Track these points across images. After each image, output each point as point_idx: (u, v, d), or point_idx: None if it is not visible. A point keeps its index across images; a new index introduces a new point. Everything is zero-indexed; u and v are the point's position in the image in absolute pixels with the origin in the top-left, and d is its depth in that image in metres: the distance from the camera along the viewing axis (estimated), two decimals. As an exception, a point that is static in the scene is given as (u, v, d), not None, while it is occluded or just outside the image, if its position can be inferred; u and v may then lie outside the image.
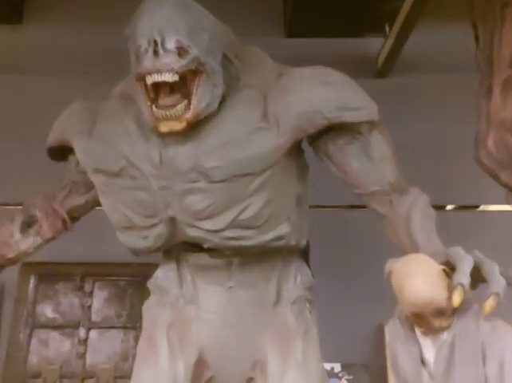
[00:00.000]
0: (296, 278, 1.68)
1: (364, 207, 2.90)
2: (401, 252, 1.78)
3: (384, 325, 3.02)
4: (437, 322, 1.22)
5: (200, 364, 1.59)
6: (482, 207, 3.07)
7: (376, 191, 1.53)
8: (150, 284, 1.73)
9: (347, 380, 2.86)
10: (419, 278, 1.20)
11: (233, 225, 1.48)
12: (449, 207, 3.13)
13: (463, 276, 1.17)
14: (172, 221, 1.50)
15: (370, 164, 1.52)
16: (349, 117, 1.46)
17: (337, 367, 2.82)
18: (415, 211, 1.48)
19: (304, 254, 1.75)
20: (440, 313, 1.21)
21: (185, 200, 1.45)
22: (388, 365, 2.95)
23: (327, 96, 1.44)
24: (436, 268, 1.22)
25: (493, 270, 1.19)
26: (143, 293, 2.76)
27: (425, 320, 1.22)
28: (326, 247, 2.86)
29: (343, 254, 3.06)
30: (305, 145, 1.62)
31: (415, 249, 1.39)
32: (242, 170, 1.43)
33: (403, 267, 1.25)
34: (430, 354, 1.28)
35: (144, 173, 1.46)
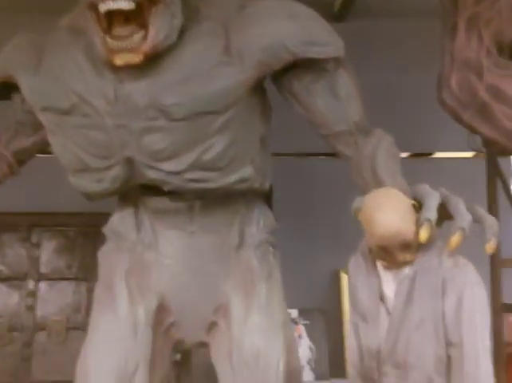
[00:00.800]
0: (259, 222, 1.64)
1: (324, 154, 2.91)
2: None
3: (341, 271, 3.08)
4: (402, 256, 1.22)
5: (161, 310, 1.55)
6: (435, 155, 3.11)
7: (342, 131, 1.49)
8: (105, 230, 1.66)
9: (304, 325, 2.90)
10: (388, 211, 1.18)
11: (195, 166, 1.42)
12: (403, 155, 3.16)
13: (431, 211, 1.17)
14: (129, 162, 1.42)
15: (336, 103, 1.47)
16: (315, 53, 1.40)
17: (294, 313, 2.85)
18: (380, 151, 1.45)
19: (266, 197, 1.71)
20: (406, 247, 1.20)
21: (143, 140, 1.38)
22: (344, 310, 3.04)
23: (293, 30, 1.37)
24: (406, 202, 1.21)
25: (459, 206, 1.19)
26: (95, 243, 2.67)
27: (390, 253, 1.21)
28: (285, 196, 2.84)
29: (301, 203, 3.06)
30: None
31: (379, 187, 1.37)
32: (204, 107, 1.35)
33: (373, 200, 1.22)
34: (390, 289, 1.28)
35: (98, 110, 1.37)
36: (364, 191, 1.49)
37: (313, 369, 2.84)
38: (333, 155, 2.81)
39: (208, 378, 2.54)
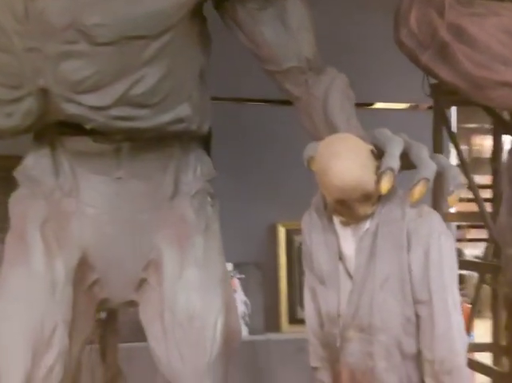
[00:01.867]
0: (196, 169, 1.48)
1: (266, 101, 2.75)
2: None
3: (278, 224, 2.98)
4: (362, 209, 1.09)
5: (83, 266, 1.38)
6: (375, 105, 3.02)
7: (292, 67, 1.34)
8: (18, 174, 1.45)
9: (239, 279, 2.80)
10: (346, 159, 1.04)
11: (122, 101, 1.22)
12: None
13: (393, 160, 1.05)
14: (44, 93, 1.21)
15: (286, 35, 1.32)
16: None
17: (229, 267, 2.73)
18: (334, 92, 1.32)
19: (205, 142, 1.54)
20: (366, 198, 1.07)
21: (60, 66, 1.16)
22: (281, 264, 2.97)
23: None
24: (365, 148, 1.07)
25: (423, 155, 1.08)
26: (6, 189, 2.44)
27: (349, 207, 1.09)
28: (220, 144, 2.68)
29: (237, 152, 2.91)
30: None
31: (333, 133, 1.24)
32: (135, 31, 1.15)
33: (328, 147, 1.08)
34: (349, 247, 1.16)
35: (4, 29, 1.14)
36: (314, 137, 1.36)
37: (248, 324, 2.77)
38: (275, 101, 2.65)
39: (136, 338, 2.41)
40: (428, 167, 1.05)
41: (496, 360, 2.20)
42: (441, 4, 1.38)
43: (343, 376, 1.18)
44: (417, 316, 1.12)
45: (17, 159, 2.48)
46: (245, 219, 2.95)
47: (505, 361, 2.14)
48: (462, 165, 2.17)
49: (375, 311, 1.12)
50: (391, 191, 1.07)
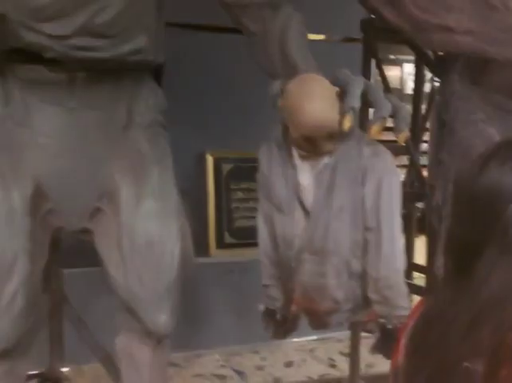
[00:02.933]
0: (148, 100, 1.50)
1: (205, 28, 2.69)
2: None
3: (206, 153, 3.03)
4: (325, 146, 1.18)
5: (37, 195, 1.38)
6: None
7: (250, 3, 1.36)
8: (-35, 102, 1.39)
9: (169, 206, 2.85)
10: (317, 99, 1.11)
11: (83, 31, 1.21)
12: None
13: (355, 100, 1.13)
14: (2, 20, 1.16)
15: None
16: None
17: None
18: (291, 29, 1.36)
19: (156, 74, 1.55)
20: (330, 136, 1.16)
21: None
22: (209, 191, 3.04)
23: None
24: (333, 90, 1.15)
25: (379, 95, 1.17)
26: None
27: (314, 143, 1.17)
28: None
29: (169, 79, 2.88)
30: None
31: (291, 70, 1.29)
32: None
33: (300, 87, 1.14)
34: (306, 179, 1.25)
35: None
36: (268, 71, 1.41)
37: (177, 249, 2.86)
38: (212, 28, 2.61)
39: (80, 260, 2.43)
40: (385, 107, 1.14)
41: (407, 275, 2.46)
42: None
43: (296, 292, 1.31)
44: (365, 241, 1.25)
45: None
46: (174, 148, 2.97)
47: (415, 275, 2.42)
48: (386, 86, 2.31)
49: (329, 236, 1.23)
50: (351, 130, 1.16)
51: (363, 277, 1.28)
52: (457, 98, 1.69)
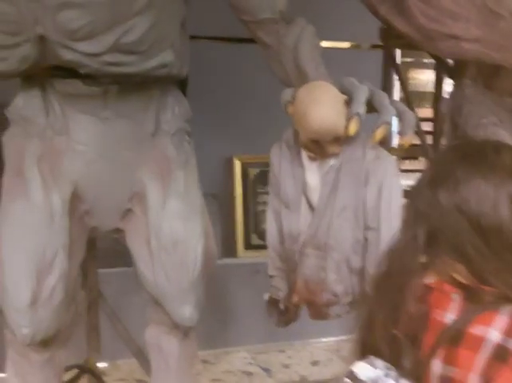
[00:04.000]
0: (174, 109, 1.60)
1: (227, 39, 2.82)
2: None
3: (233, 158, 3.14)
4: (331, 148, 1.27)
5: (74, 198, 1.51)
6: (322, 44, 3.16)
7: (266, 19, 1.46)
8: (9, 113, 1.53)
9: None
10: (325, 106, 1.20)
11: (114, 49, 1.33)
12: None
13: (360, 106, 1.22)
14: (42, 40, 1.29)
15: None
16: None
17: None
18: (304, 41, 1.45)
19: (181, 85, 1.66)
20: (336, 140, 1.25)
21: (59, 16, 1.25)
22: (237, 195, 3.16)
23: None
24: (339, 96, 1.24)
25: (384, 101, 1.25)
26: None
27: (321, 146, 1.26)
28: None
29: (195, 88, 3.00)
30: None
31: (303, 80, 1.39)
32: None
33: (308, 94, 1.23)
34: (313, 179, 1.34)
35: None
36: (283, 81, 1.50)
37: (206, 251, 2.97)
38: (235, 40, 2.73)
39: (112, 262, 2.57)
40: (389, 112, 1.23)
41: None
42: (398, -39, 1.53)
43: (298, 284, 1.40)
44: (365, 239, 1.33)
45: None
46: (203, 153, 3.09)
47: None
48: (407, 99, 2.37)
49: (331, 233, 1.32)
50: (356, 134, 1.25)
51: (362, 273, 1.36)
52: (469, 102, 1.77)
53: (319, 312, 1.42)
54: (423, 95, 4.41)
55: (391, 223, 1.29)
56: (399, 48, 2.39)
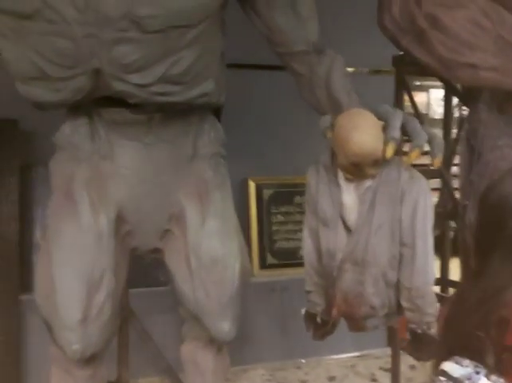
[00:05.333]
0: (210, 134, 1.70)
1: (244, 66, 2.93)
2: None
3: (248, 180, 3.23)
4: (369, 171, 1.35)
5: (118, 219, 1.59)
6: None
7: (300, 51, 1.55)
8: (57, 139, 1.63)
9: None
10: (365, 131, 1.29)
11: (162, 80, 1.43)
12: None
13: (395, 131, 1.31)
14: (97, 73, 1.39)
15: (297, 22, 1.53)
16: None
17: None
18: (335, 70, 1.55)
19: (216, 111, 1.76)
20: (375, 162, 1.34)
21: (113, 50, 1.35)
22: (251, 215, 3.24)
23: None
24: (378, 122, 1.33)
25: (416, 126, 1.35)
26: (0, 151, 2.56)
27: (360, 168, 1.34)
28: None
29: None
30: None
31: (337, 107, 1.48)
32: (179, 21, 1.35)
33: (349, 120, 1.32)
34: (349, 199, 1.42)
35: (65, 17, 1.31)
36: (316, 108, 1.61)
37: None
38: (252, 66, 2.83)
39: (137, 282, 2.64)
40: (421, 137, 1.32)
41: (442, 290, 2.61)
42: (419, -4, 1.64)
43: (337, 298, 1.47)
44: (401, 255, 1.41)
45: (7, 122, 2.60)
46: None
47: (451, 290, 2.56)
48: (419, 117, 2.48)
49: (369, 249, 1.40)
50: (392, 157, 1.34)
51: (397, 287, 1.44)
52: (484, 125, 1.87)
53: (357, 324, 1.49)
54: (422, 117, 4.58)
55: (425, 239, 1.38)
56: (410, 75, 2.50)
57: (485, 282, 0.98)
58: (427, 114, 5.47)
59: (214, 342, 1.71)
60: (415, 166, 1.43)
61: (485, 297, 0.96)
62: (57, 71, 1.40)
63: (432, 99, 5.45)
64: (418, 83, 5.31)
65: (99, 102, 1.53)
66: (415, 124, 1.35)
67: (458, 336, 0.99)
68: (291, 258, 3.19)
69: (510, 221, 0.97)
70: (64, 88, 1.43)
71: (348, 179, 1.42)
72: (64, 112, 1.64)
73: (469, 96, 2.01)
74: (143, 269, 2.56)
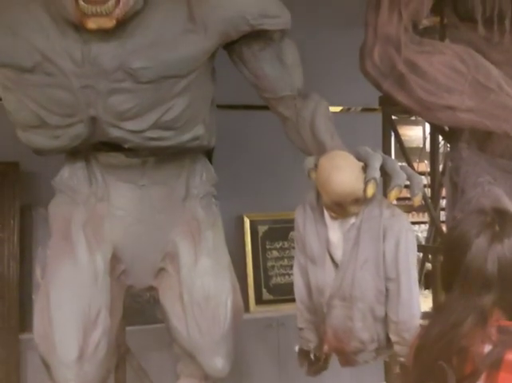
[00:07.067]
0: (202, 175, 1.78)
1: (238, 107, 3.03)
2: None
3: (243, 216, 3.30)
4: (351, 209, 1.42)
5: (114, 259, 1.65)
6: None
7: (286, 95, 1.64)
8: (56, 183, 1.71)
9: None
10: (345, 172, 1.36)
11: (155, 126, 1.51)
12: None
13: (375, 171, 1.39)
14: (93, 121, 1.48)
15: (282, 70, 1.62)
16: (268, 25, 1.52)
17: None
18: (319, 114, 1.63)
19: (208, 152, 1.85)
20: (356, 201, 1.41)
21: (109, 100, 1.44)
22: (247, 251, 3.29)
23: (250, 3, 1.48)
24: (357, 163, 1.41)
25: (395, 166, 1.43)
26: (3, 192, 2.63)
27: (343, 207, 1.41)
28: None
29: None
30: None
31: (321, 148, 1.56)
32: (170, 72, 1.44)
33: (330, 162, 1.40)
34: (335, 236, 1.48)
35: (64, 70, 1.40)
36: (302, 150, 1.69)
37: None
38: (247, 107, 2.92)
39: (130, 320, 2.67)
40: (400, 176, 1.40)
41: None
42: (398, 43, 1.74)
43: (327, 334, 1.52)
44: (386, 289, 1.46)
45: (9, 165, 2.68)
46: (215, 211, 3.26)
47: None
48: (405, 155, 2.57)
49: (355, 285, 1.45)
50: (373, 196, 1.41)
51: (386, 321, 1.48)
52: (466, 163, 1.96)
53: (348, 359, 1.53)
54: (415, 150, 4.67)
55: (409, 273, 1.43)
56: (395, 114, 2.59)
57: (446, 314, 1.04)
58: (422, 148, 5.54)
59: (208, 379, 1.74)
60: (400, 200, 1.50)
61: (445, 329, 1.02)
62: (55, 120, 1.48)
63: (427, 133, 5.53)
64: (412, 117, 5.41)
65: (95, 147, 1.61)
66: (393, 164, 1.43)
67: (424, 366, 1.05)
68: (287, 294, 3.21)
69: (465, 257, 1.04)
70: (63, 136, 1.52)
71: (333, 218, 1.48)
72: (63, 155, 1.72)
73: (451, 134, 2.10)
74: (139, 306, 2.60)
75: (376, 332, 1.49)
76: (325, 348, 1.53)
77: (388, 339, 1.50)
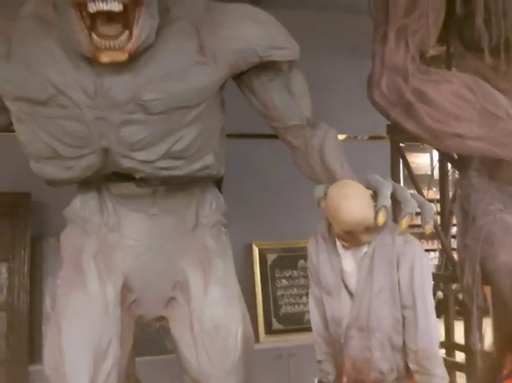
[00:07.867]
0: (211, 204, 1.79)
1: (247, 136, 3.06)
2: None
3: (252, 245, 3.30)
4: (363, 237, 1.42)
5: (124, 288, 1.65)
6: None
7: (295, 125, 1.66)
8: (68, 213, 1.72)
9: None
10: (354, 201, 1.37)
11: (166, 156, 1.53)
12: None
13: (386, 199, 1.39)
14: (105, 152, 1.49)
15: (291, 100, 1.64)
16: (277, 56, 1.55)
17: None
18: (328, 143, 1.65)
19: (217, 181, 1.86)
20: (367, 230, 1.41)
21: (121, 131, 1.46)
22: (256, 280, 3.27)
23: (259, 35, 1.51)
24: (367, 192, 1.41)
25: (406, 195, 1.43)
26: (14, 222, 2.65)
27: (354, 236, 1.41)
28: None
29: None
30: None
31: (331, 177, 1.57)
32: (181, 103, 1.46)
33: (339, 191, 1.40)
34: (348, 265, 1.47)
35: (77, 103, 1.42)
36: (311, 178, 1.70)
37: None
38: (255, 136, 2.95)
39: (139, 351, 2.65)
40: (411, 204, 1.40)
41: (448, 353, 2.60)
42: (405, 72, 1.76)
43: (346, 365, 1.49)
44: (403, 317, 1.45)
45: (24, 195, 2.71)
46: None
47: (458, 354, 2.55)
48: (414, 182, 2.57)
49: (372, 314, 1.44)
50: (385, 223, 1.41)
51: (404, 350, 1.46)
52: (476, 191, 1.96)
53: (368, 391, 1.51)
54: (423, 177, 4.67)
55: (425, 299, 1.41)
56: (403, 141, 2.60)
57: None
58: (430, 175, 5.55)
59: (219, 409, 1.72)
60: (410, 227, 1.49)
61: None
62: (68, 151, 1.50)
63: (435, 160, 5.57)
64: (420, 145, 5.44)
65: (107, 177, 1.63)
66: (404, 192, 1.43)
67: None
68: (297, 323, 3.20)
69: None
70: (75, 166, 1.53)
71: (345, 247, 1.48)
72: (74, 186, 1.74)
73: (460, 162, 2.11)
74: (150, 337, 2.59)
75: (394, 361, 1.47)
76: (344, 379, 1.50)
77: (408, 368, 1.48)
